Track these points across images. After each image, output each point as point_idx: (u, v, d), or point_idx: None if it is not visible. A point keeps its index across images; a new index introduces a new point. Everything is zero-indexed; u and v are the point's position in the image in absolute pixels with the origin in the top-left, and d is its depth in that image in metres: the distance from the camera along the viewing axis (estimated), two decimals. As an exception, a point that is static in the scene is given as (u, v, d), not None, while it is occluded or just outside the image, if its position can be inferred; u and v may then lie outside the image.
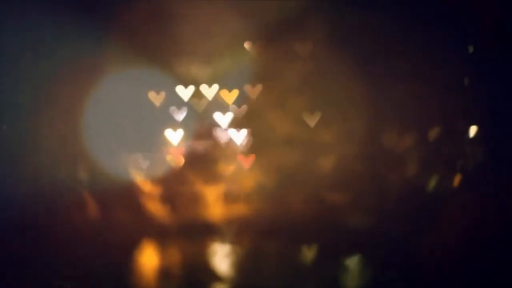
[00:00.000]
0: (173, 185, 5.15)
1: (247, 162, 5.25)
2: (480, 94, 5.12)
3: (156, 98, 5.24)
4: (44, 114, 4.89)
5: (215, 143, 5.33)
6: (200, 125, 5.33)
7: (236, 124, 5.33)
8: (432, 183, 5.11)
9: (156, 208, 5.01)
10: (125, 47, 4.96)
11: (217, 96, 5.33)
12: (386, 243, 4.43)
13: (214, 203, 5.11)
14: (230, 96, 5.34)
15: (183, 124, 5.30)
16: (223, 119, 5.34)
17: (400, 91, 5.05)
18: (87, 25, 4.86)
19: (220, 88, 5.32)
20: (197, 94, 5.32)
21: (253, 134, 5.31)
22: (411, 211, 4.77)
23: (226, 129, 5.33)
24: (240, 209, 5.09)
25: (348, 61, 5.03)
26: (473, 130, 5.20)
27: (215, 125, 5.33)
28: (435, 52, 5.04)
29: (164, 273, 4.37)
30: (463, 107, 5.16)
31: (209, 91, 5.34)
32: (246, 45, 5.28)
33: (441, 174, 5.13)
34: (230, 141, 5.33)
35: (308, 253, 4.56)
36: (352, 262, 4.35)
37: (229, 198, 5.15)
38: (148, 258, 4.57)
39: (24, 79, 4.88)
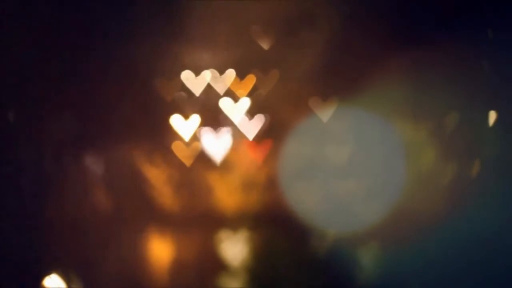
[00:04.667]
0: (184, 175, 5.08)
1: (260, 152, 5.15)
2: (500, 79, 5.01)
3: (165, 85, 5.16)
4: (49, 102, 4.83)
5: (228, 133, 5.24)
6: (212, 113, 5.25)
7: (248, 112, 5.23)
8: (450, 173, 5.01)
9: (166, 198, 4.94)
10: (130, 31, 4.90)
11: (228, 83, 5.23)
12: (400, 234, 4.37)
13: (226, 193, 5.04)
14: (244, 84, 5.24)
15: (194, 112, 5.21)
16: (234, 107, 5.23)
17: (416, 78, 4.93)
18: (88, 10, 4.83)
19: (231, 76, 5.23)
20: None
21: (266, 124, 5.21)
22: (427, 201, 4.70)
23: (237, 118, 5.23)
24: (252, 200, 5.01)
25: (361, 48, 4.93)
26: (492, 117, 5.08)
27: (226, 113, 5.23)
28: (452, 36, 4.91)
29: (174, 264, 4.32)
30: (482, 93, 5.03)
31: (221, 79, 5.23)
32: (257, 31, 5.19)
33: (460, 163, 5.02)
34: (242, 130, 5.23)
35: (321, 244, 4.51)
36: (366, 254, 4.31)
37: (241, 188, 5.07)
38: (158, 249, 4.53)
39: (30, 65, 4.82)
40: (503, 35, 4.94)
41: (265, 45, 5.19)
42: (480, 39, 4.96)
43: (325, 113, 5.10)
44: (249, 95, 5.24)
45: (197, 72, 5.20)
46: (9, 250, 4.17)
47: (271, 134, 5.17)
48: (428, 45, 4.86)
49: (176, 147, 5.13)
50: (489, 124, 5.06)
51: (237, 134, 5.22)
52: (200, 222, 4.75)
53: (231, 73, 5.23)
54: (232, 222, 4.81)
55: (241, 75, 5.24)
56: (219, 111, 5.24)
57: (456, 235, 4.34)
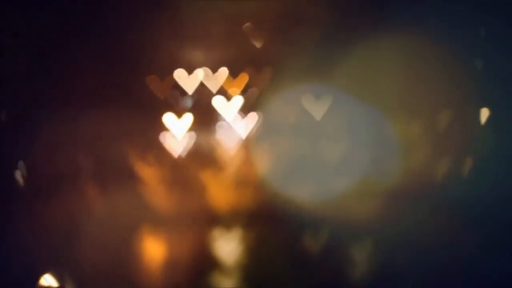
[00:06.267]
0: (177, 174, 5.06)
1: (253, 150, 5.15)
2: (493, 77, 5.02)
3: (158, 84, 5.15)
4: (41, 100, 4.81)
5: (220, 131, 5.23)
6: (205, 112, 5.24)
7: (241, 110, 5.22)
8: (441, 171, 5.01)
9: (159, 196, 4.92)
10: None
11: (221, 81, 5.23)
12: (394, 232, 4.37)
13: (219, 191, 5.03)
14: (236, 83, 5.23)
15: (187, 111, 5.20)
16: (227, 105, 5.23)
17: (408, 75, 4.93)
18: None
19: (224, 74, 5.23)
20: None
21: (259, 122, 5.20)
22: (420, 200, 4.70)
23: (230, 117, 5.22)
24: (246, 198, 5.00)
25: (355, 46, 4.93)
26: (484, 114, 5.08)
27: (219, 111, 5.23)
28: (444, 34, 4.91)
29: (168, 262, 4.31)
30: (475, 90, 5.04)
31: (213, 78, 5.22)
32: (250, 30, 5.18)
33: (452, 161, 5.03)
34: (234, 129, 5.23)
35: (315, 243, 4.50)
36: (360, 251, 4.30)
37: (235, 186, 5.06)
38: (152, 248, 4.51)
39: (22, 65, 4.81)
40: (496, 33, 4.96)
41: (257, 43, 5.19)
42: (473, 37, 4.99)
43: (318, 111, 5.10)
44: (242, 93, 5.24)
45: (190, 71, 5.20)
46: (2, 251, 4.15)
47: (263, 132, 5.17)
48: (422, 43, 4.87)
49: (169, 145, 5.12)
50: (481, 121, 5.08)
51: (230, 132, 5.22)
52: (193, 220, 4.74)
53: (224, 72, 5.22)
54: (225, 220, 4.80)
55: (234, 74, 5.23)
56: (212, 110, 5.24)
57: (449, 230, 4.35)
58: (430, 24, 4.89)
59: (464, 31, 4.97)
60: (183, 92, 5.20)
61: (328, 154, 5.00)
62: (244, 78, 5.22)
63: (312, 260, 4.29)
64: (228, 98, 5.24)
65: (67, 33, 4.86)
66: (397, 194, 4.71)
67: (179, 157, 5.13)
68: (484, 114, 5.08)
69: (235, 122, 5.22)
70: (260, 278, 4.12)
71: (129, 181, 4.87)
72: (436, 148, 5.01)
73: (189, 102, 5.21)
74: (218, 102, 5.23)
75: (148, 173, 4.98)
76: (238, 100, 5.23)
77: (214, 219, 4.79)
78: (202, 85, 5.23)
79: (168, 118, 5.14)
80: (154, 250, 4.47)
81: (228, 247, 4.49)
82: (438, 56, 4.92)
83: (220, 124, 5.23)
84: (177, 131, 5.15)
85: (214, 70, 5.22)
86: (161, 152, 5.09)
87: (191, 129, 5.18)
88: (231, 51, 5.17)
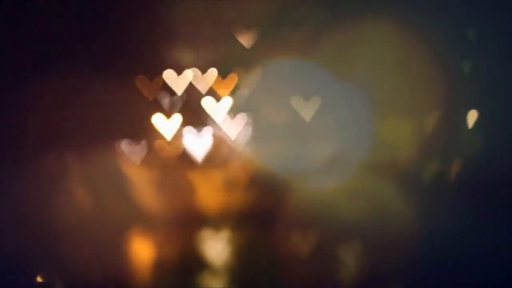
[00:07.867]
0: (166, 175, 5.05)
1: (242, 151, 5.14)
2: (480, 79, 5.04)
3: (147, 84, 5.13)
4: (28, 99, 4.79)
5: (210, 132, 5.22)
6: (194, 113, 5.23)
7: (230, 111, 5.22)
8: (429, 172, 5.03)
9: (148, 198, 4.91)
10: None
11: (210, 82, 5.21)
12: (383, 233, 4.39)
13: (209, 193, 5.02)
14: (226, 83, 5.22)
15: (176, 112, 5.19)
16: (217, 106, 5.22)
17: (397, 77, 4.95)
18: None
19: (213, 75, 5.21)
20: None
21: (249, 123, 5.20)
22: (408, 200, 4.71)
23: (220, 118, 5.21)
24: (235, 199, 4.99)
25: (344, 47, 4.94)
26: (472, 117, 5.10)
27: (208, 112, 5.21)
28: (433, 36, 4.93)
29: (158, 264, 4.31)
30: (463, 92, 5.06)
31: (202, 79, 5.21)
32: (239, 30, 5.17)
33: (440, 161, 5.04)
34: (224, 130, 5.22)
35: (305, 243, 4.51)
36: (349, 252, 4.32)
37: (224, 187, 5.05)
38: (141, 249, 4.51)
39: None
40: (485, 35, 4.99)
41: (247, 44, 5.18)
42: (462, 39, 5.01)
43: (308, 112, 5.10)
44: (231, 94, 5.23)
45: (179, 71, 5.18)
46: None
47: (253, 133, 5.17)
48: (411, 45, 4.89)
49: (158, 146, 5.11)
50: (470, 123, 5.10)
51: (219, 134, 5.21)
52: (182, 221, 4.73)
53: (213, 72, 5.21)
54: (215, 221, 4.80)
55: (223, 74, 5.22)
56: (201, 111, 5.23)
57: (436, 233, 4.36)
58: (419, 26, 4.91)
59: (453, 33, 4.99)
60: (172, 93, 5.19)
61: (317, 155, 5.00)
62: (233, 79, 5.21)
63: (302, 261, 4.30)
64: (218, 99, 5.22)
65: (55, 33, 4.85)
66: (387, 194, 4.73)
67: (168, 158, 5.11)
68: (472, 116, 5.11)
69: (224, 123, 5.21)
70: (249, 279, 4.13)
71: (117, 183, 4.85)
72: (424, 150, 5.03)
73: (178, 103, 5.20)
74: (207, 103, 5.22)
75: (137, 174, 4.97)
76: (228, 101, 5.22)
77: (203, 221, 4.79)
78: (191, 85, 5.21)
79: (157, 118, 5.13)
80: (143, 251, 4.46)
81: (217, 248, 4.49)
82: (426, 58, 4.94)
83: (209, 125, 5.22)
84: (166, 132, 5.14)
85: (203, 70, 5.21)
86: (150, 153, 5.08)
87: (180, 130, 5.17)
88: (220, 52, 5.16)
